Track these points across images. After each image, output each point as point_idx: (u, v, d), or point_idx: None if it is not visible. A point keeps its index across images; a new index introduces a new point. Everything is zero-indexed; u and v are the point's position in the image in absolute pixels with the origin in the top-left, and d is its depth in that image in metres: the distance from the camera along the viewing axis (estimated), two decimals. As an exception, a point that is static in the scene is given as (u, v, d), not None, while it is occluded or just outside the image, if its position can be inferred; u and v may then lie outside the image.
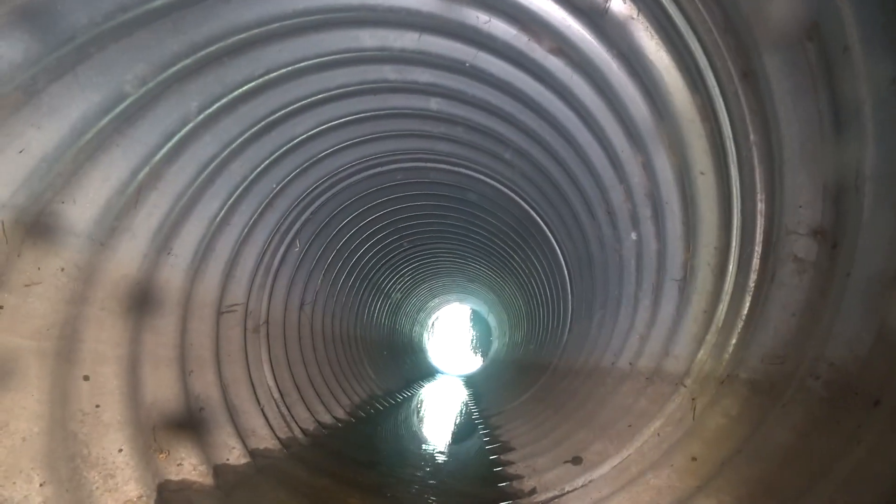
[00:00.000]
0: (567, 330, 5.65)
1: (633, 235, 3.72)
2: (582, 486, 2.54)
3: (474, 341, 17.71)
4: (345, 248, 5.83)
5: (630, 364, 3.56)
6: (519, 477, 3.18)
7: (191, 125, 2.88)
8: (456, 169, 5.17)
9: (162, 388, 2.48)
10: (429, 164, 5.10)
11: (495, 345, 15.32)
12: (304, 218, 4.44)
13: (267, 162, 3.62)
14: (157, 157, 2.64)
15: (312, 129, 3.82)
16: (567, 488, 2.61)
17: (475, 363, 16.90)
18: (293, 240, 4.39)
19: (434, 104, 4.05)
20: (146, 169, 2.51)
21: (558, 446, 3.44)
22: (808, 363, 1.79)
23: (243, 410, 3.08)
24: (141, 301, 2.44)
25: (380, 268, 7.67)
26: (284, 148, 3.72)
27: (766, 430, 1.79)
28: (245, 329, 3.44)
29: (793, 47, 2.11)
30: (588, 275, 4.79)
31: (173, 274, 2.73)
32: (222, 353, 3.06)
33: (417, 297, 11.75)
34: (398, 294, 9.91)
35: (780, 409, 1.79)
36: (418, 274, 10.06)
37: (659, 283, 3.48)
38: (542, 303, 7.36)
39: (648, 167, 3.43)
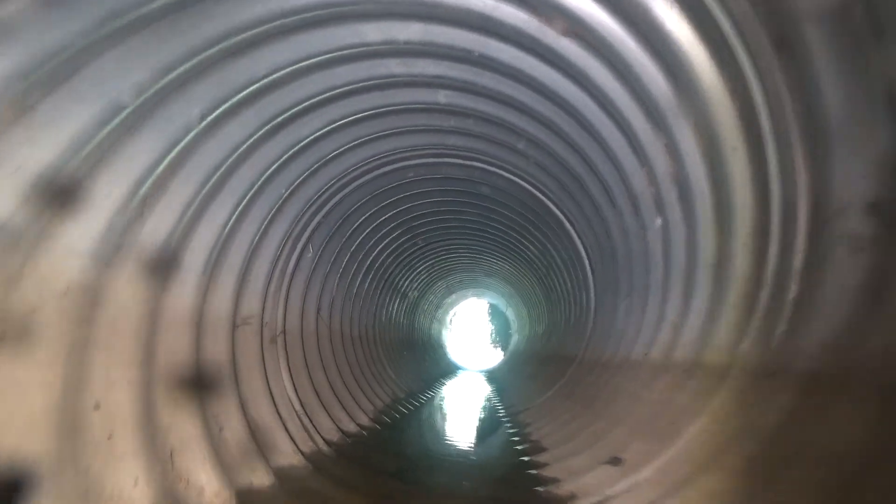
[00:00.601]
0: (591, 321, 5.49)
1: (659, 221, 3.55)
2: (626, 490, 2.38)
3: (493, 335, 17.60)
4: (359, 250, 5.72)
5: (665, 356, 3.40)
6: (555, 480, 3.05)
7: (194, 132, 2.78)
8: (468, 163, 5.03)
9: (178, 412, 2.39)
10: (440, 160, 4.97)
11: (515, 338, 15.15)
12: (315, 221, 4.34)
13: (275, 166, 3.52)
14: (161, 167, 2.55)
15: (319, 130, 3.70)
16: (609, 493, 2.46)
17: (495, 357, 16.77)
18: (306, 244, 4.29)
19: (443, 97, 3.92)
20: (149, 181, 2.42)
21: (593, 446, 3.29)
22: (874, 351, 1.63)
23: (264, 427, 2.97)
24: (150, 321, 2.34)
25: (395, 267, 7.55)
26: (292, 150, 3.60)
27: (832, 428, 1.62)
28: (262, 340, 3.35)
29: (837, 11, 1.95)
30: (611, 264, 4.63)
31: (183, 290, 2.64)
32: (240, 368, 2.96)
33: (434, 295, 11.61)
34: (415, 292, 9.80)
35: (845, 404, 1.63)
36: (434, 271, 9.94)
37: (690, 270, 3.31)
38: (562, 295, 7.20)
39: (672, 149, 3.25)
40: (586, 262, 5.46)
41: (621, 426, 3.12)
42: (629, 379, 3.70)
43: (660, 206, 3.47)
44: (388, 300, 8.19)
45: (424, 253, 8.19)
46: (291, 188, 3.72)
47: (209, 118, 2.83)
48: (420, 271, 9.09)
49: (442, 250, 8.48)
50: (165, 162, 2.53)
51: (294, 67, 3.16)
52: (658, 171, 3.32)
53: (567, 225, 5.39)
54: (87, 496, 1.88)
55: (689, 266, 3.25)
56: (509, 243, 7.37)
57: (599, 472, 2.72)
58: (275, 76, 3.12)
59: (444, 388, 9.51)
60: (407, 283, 8.81)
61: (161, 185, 2.54)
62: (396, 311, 8.82)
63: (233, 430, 2.71)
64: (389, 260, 6.99)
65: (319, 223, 4.44)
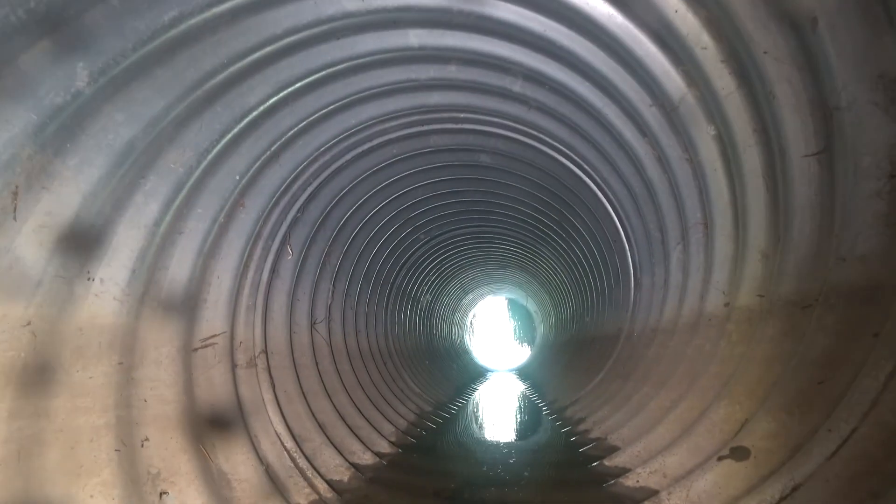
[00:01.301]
0: (633, 286, 4.72)
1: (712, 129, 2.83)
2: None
3: (517, 331, 16.76)
4: (352, 251, 5.02)
5: (726, 305, 2.70)
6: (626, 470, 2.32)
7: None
8: (459, 126, 4.32)
9: (98, 467, 1.69)
10: (425, 128, 4.26)
11: (540, 329, 14.46)
12: (290, 218, 3.64)
13: (216, 150, 2.83)
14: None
15: (271, 98, 3.02)
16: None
17: (523, 354, 15.93)
18: (282, 246, 3.59)
19: (414, 38, 3.22)
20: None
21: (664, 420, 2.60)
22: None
23: (237, 479, 2.24)
24: (39, 361, 1.65)
25: (400, 269, 6.85)
26: (237, 128, 2.92)
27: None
28: (234, 365, 2.64)
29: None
30: (651, 208, 3.89)
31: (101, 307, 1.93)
32: (199, 401, 2.25)
33: (449, 297, 10.86)
34: (427, 296, 9.08)
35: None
36: (444, 270, 9.24)
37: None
38: (591, 266, 6.47)
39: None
40: (615, 219, 4.71)
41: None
42: (690, 339, 2.98)
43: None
44: (399, 307, 7.47)
45: (431, 250, 7.47)
46: (247, 176, 3.03)
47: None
48: (429, 272, 8.38)
49: (449, 243, 7.76)
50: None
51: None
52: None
53: (585, 179, 4.65)
54: None
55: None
56: (521, 221, 6.63)
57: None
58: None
59: (475, 393, 8.73)
60: (417, 286, 8.10)
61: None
62: (410, 319, 8.11)
63: (181, 493, 1.98)
64: (392, 260, 6.27)
65: (295, 219, 3.74)
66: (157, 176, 2.37)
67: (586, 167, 4.28)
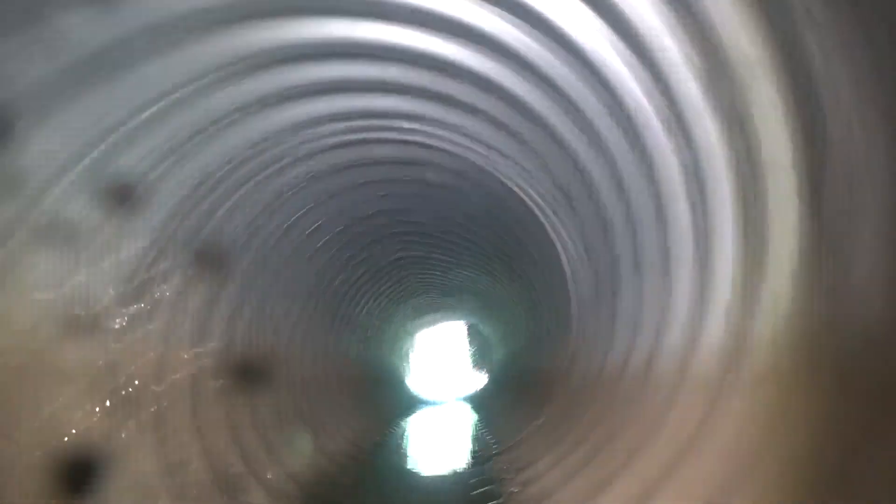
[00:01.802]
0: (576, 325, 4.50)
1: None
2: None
3: (474, 358, 16.06)
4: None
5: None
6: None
7: None
8: (407, 137, 4.01)
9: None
10: (369, 136, 3.94)
11: (496, 357, 13.91)
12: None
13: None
14: None
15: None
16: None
17: (479, 381, 15.10)
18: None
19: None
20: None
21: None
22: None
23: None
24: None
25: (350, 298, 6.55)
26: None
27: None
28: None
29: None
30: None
31: None
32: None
33: (392, 321, 10.33)
34: (376, 322, 8.68)
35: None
36: (394, 296, 8.87)
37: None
38: (539, 300, 6.24)
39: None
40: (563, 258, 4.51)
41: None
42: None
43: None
44: (344, 335, 7.06)
45: (377, 278, 7.16)
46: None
47: None
48: (379, 299, 8.04)
49: (397, 269, 7.45)
50: None
51: None
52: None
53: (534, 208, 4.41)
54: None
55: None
56: (472, 245, 6.36)
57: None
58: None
59: (412, 426, 8.30)
60: (363, 314, 7.66)
61: None
62: (354, 346, 7.65)
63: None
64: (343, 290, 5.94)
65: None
66: None
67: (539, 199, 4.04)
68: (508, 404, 8.01)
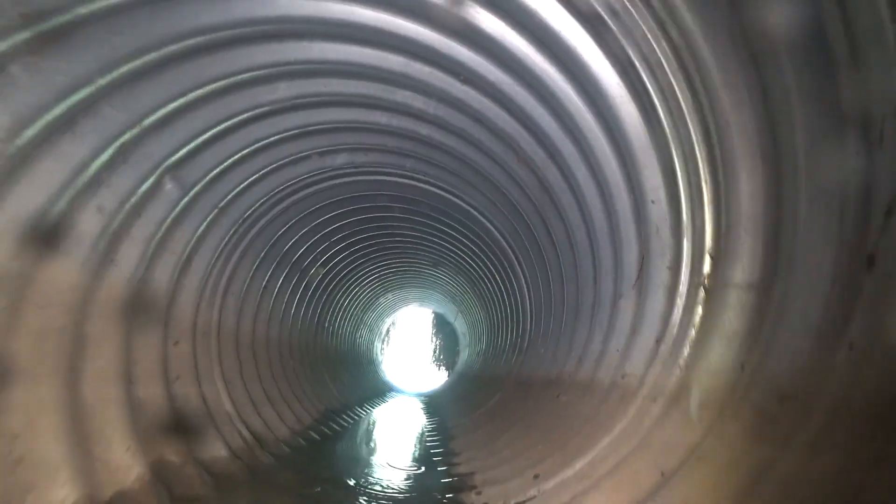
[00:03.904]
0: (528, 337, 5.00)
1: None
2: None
3: (437, 352, 16.24)
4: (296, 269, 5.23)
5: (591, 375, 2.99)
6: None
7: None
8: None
9: None
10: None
11: (464, 355, 13.97)
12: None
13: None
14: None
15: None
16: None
17: (439, 379, 15.36)
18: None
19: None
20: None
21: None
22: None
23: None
24: None
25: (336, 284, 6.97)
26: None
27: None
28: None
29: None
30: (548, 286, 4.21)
31: None
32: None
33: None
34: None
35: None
36: (378, 287, 9.24)
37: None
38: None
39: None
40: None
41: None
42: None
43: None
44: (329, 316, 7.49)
45: (365, 271, 7.62)
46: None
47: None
48: (364, 285, 8.44)
49: (383, 267, 7.89)
50: None
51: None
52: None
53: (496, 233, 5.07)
54: None
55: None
56: (451, 258, 6.91)
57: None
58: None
59: (378, 408, 8.75)
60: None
61: None
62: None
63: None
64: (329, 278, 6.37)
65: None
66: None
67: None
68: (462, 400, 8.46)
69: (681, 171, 2.69)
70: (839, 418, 1.55)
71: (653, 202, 2.95)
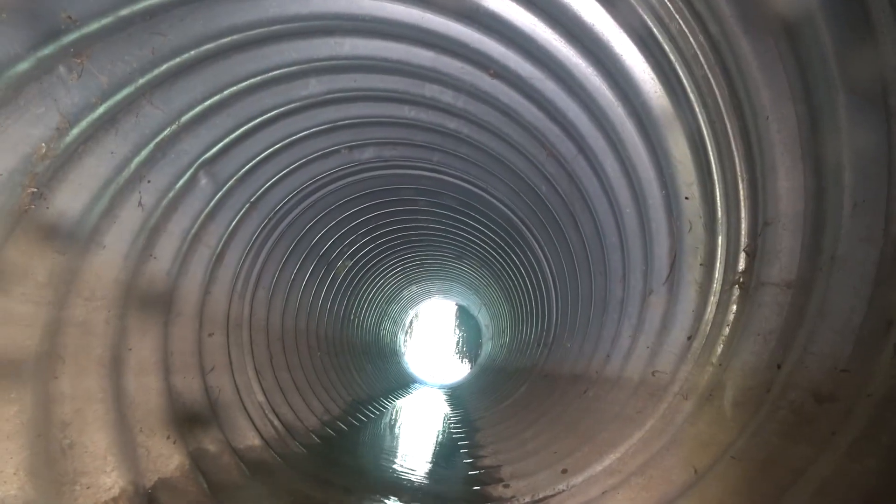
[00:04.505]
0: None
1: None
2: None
3: (460, 344, 16.30)
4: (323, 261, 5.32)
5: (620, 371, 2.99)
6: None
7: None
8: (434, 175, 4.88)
9: None
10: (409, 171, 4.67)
11: (487, 348, 13.95)
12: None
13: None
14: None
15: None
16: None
17: (461, 371, 15.47)
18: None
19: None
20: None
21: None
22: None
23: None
24: None
25: (362, 276, 7.06)
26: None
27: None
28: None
29: None
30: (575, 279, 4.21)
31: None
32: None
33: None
34: (382, 300, 9.03)
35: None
36: (402, 279, 9.29)
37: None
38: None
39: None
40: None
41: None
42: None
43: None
44: (355, 307, 7.60)
45: (390, 264, 7.71)
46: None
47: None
48: (389, 277, 8.52)
49: (409, 259, 7.95)
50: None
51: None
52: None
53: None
54: None
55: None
56: (476, 251, 6.94)
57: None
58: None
59: (403, 400, 8.84)
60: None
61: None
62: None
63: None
64: (355, 270, 6.46)
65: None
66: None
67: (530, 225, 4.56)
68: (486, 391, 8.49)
69: (716, 167, 2.65)
70: (883, 421, 1.53)
71: (686, 198, 2.92)
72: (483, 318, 14.23)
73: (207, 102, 3.06)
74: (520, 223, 5.53)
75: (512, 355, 8.87)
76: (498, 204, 5.45)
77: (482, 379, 11.03)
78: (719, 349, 2.46)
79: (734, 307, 2.45)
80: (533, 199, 4.88)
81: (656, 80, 2.82)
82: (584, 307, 4.72)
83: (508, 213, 5.50)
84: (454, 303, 15.60)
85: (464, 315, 16.07)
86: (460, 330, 16.41)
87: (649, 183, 3.25)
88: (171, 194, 3.01)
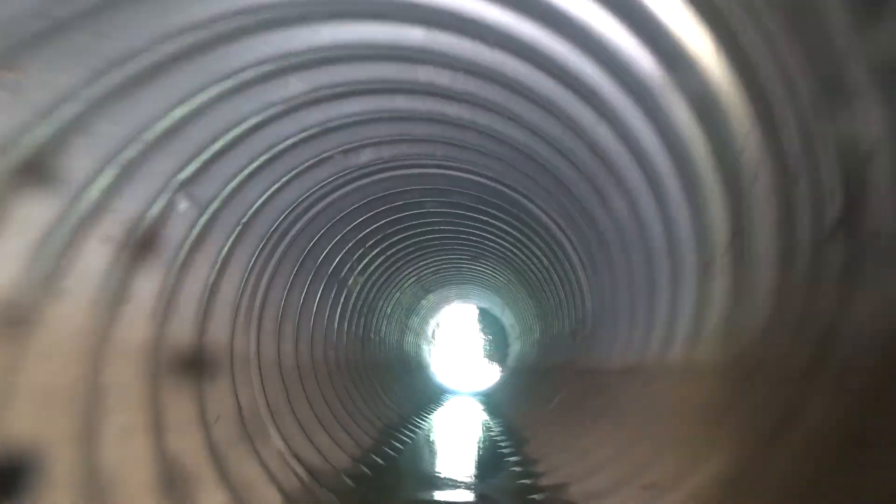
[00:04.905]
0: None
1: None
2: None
3: (488, 348, 15.58)
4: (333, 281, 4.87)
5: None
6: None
7: None
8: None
9: None
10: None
11: (516, 347, 13.41)
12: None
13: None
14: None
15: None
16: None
17: (492, 375, 14.70)
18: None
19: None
20: None
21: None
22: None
23: None
24: None
25: (377, 291, 6.65)
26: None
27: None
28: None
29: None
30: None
31: None
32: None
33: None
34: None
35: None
36: (419, 288, 8.88)
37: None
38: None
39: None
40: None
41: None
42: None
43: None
44: (372, 325, 7.18)
45: (405, 273, 7.28)
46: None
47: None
48: (403, 288, 8.12)
49: (423, 266, 7.55)
50: None
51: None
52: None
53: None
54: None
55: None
56: (495, 248, 6.53)
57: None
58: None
59: (435, 419, 8.35)
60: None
61: None
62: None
63: None
64: (369, 285, 6.07)
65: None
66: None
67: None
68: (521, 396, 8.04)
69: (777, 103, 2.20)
70: None
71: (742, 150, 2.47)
72: (507, 318, 13.81)
73: (174, 113, 2.66)
74: (538, 211, 5.11)
75: (544, 352, 8.47)
76: (512, 194, 5.04)
77: (515, 381, 10.61)
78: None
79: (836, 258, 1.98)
80: (550, 183, 4.47)
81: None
82: (623, 291, 4.29)
83: (525, 201, 5.08)
84: (474, 306, 15.18)
85: (486, 317, 15.58)
86: (485, 333, 15.87)
87: (692, 141, 2.81)
88: (144, 223, 2.61)
